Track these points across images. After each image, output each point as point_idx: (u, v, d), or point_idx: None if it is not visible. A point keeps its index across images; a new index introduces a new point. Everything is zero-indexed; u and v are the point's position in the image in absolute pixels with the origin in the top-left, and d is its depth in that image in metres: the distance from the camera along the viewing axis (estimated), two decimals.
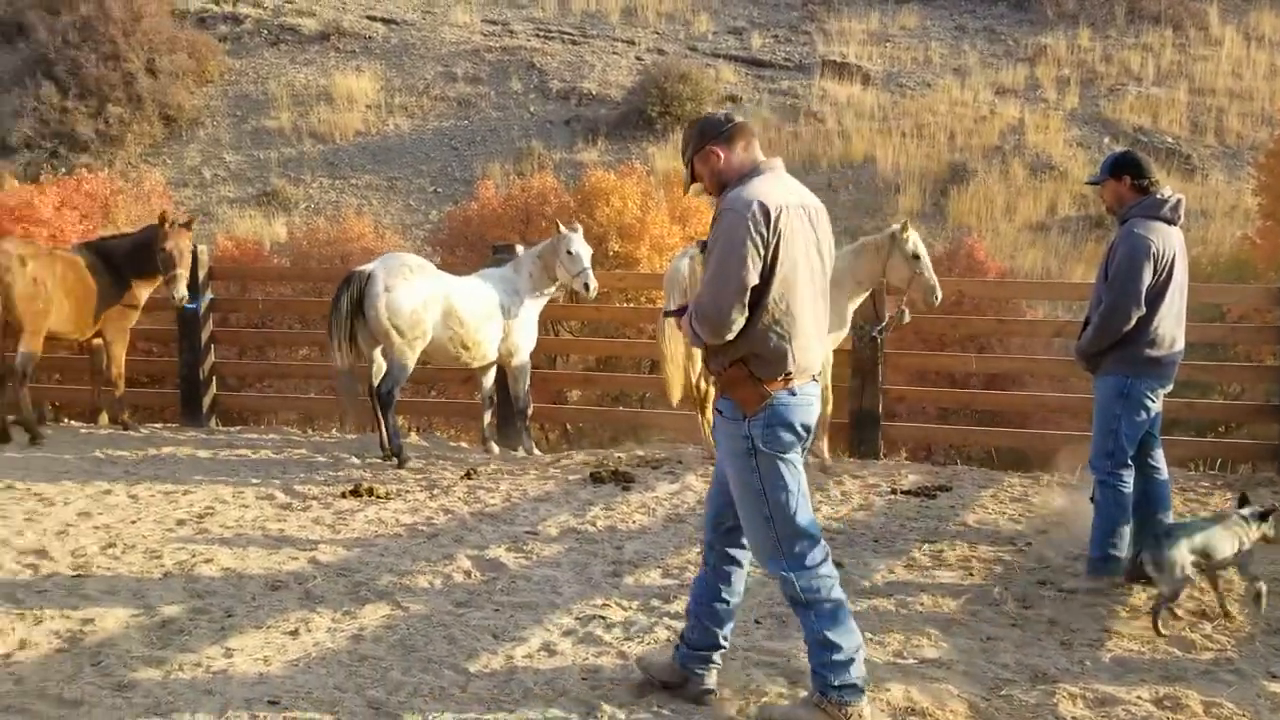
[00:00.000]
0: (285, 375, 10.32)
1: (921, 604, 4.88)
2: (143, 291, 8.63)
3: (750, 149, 3.62)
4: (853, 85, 21.11)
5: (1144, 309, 4.85)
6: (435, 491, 6.81)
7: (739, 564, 3.77)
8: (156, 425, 9.06)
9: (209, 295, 9.04)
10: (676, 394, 7.45)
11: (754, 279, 3.37)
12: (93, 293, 8.29)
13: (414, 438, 8.70)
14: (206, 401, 9.12)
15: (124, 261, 8.46)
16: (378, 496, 6.62)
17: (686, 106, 19.64)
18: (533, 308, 7.95)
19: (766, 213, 3.37)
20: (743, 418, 3.47)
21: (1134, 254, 4.84)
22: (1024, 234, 16.75)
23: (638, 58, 22.53)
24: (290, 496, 6.64)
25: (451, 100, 21.43)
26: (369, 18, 24.05)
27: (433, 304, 7.38)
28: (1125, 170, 5.03)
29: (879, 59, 22.36)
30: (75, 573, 5.12)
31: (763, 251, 3.37)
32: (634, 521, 6.16)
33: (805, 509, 3.52)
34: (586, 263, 7.68)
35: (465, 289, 7.65)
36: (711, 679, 3.79)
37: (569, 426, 10.06)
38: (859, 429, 8.07)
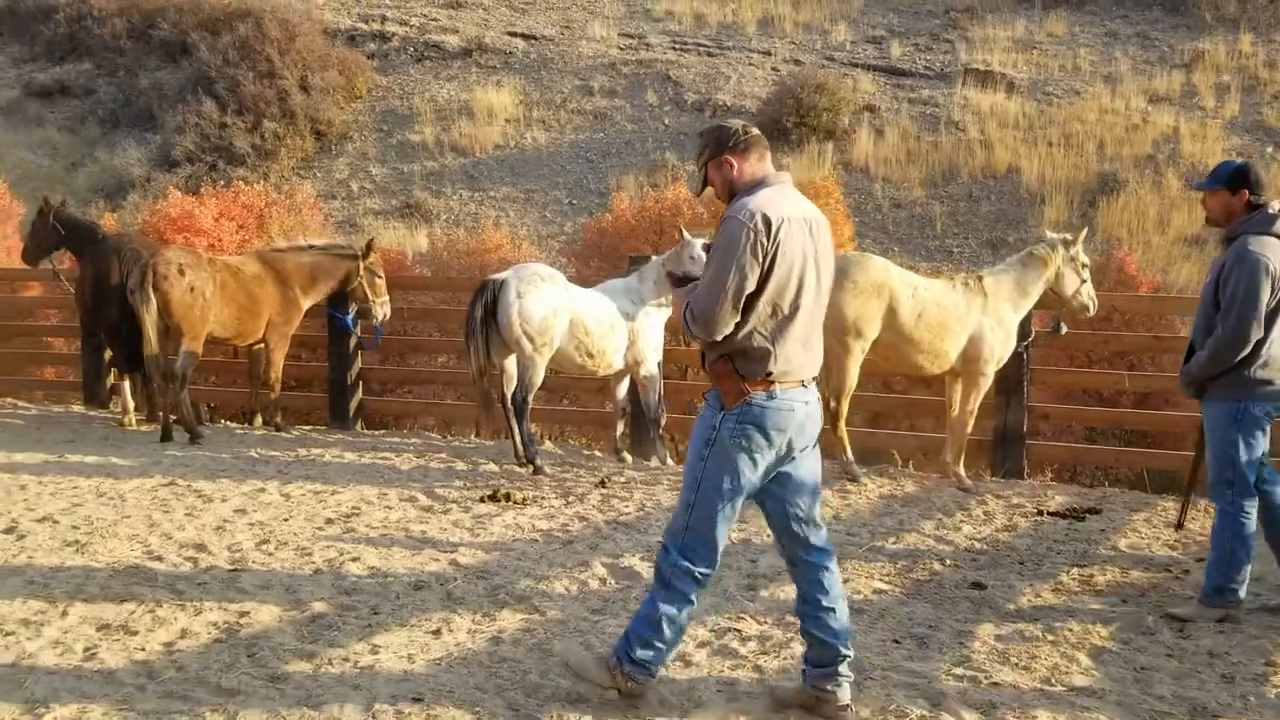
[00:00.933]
0: (427, 381, 10.61)
1: (1070, 630, 4.69)
2: (308, 302, 9.00)
3: (763, 161, 3.77)
4: (996, 94, 20.54)
5: (1264, 331, 4.66)
6: (570, 499, 6.89)
7: (823, 565, 3.79)
8: (306, 427, 9.43)
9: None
10: None
11: (751, 285, 3.55)
12: (256, 301, 8.68)
13: (548, 445, 8.83)
14: (353, 405, 9.46)
15: (296, 275, 8.85)
16: (515, 502, 6.73)
17: (823, 117, 19.45)
18: (658, 316, 7.97)
19: (768, 223, 3.54)
20: (720, 409, 3.65)
21: (1254, 274, 4.65)
22: (1178, 247, 15.99)
23: (774, 68, 22.42)
24: (431, 499, 6.82)
25: (588, 113, 21.72)
26: (510, 33, 24.58)
27: (561, 312, 7.48)
28: (1243, 184, 4.82)
29: (1024, 66, 21.71)
30: (232, 567, 5.36)
31: (761, 260, 3.54)
32: (768, 535, 6.08)
33: (725, 518, 3.66)
34: None
35: (590, 299, 7.74)
36: (844, 694, 3.74)
37: None
38: (1003, 447, 7.83)
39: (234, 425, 9.61)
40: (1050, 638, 4.60)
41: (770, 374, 3.59)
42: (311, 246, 9.14)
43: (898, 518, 6.56)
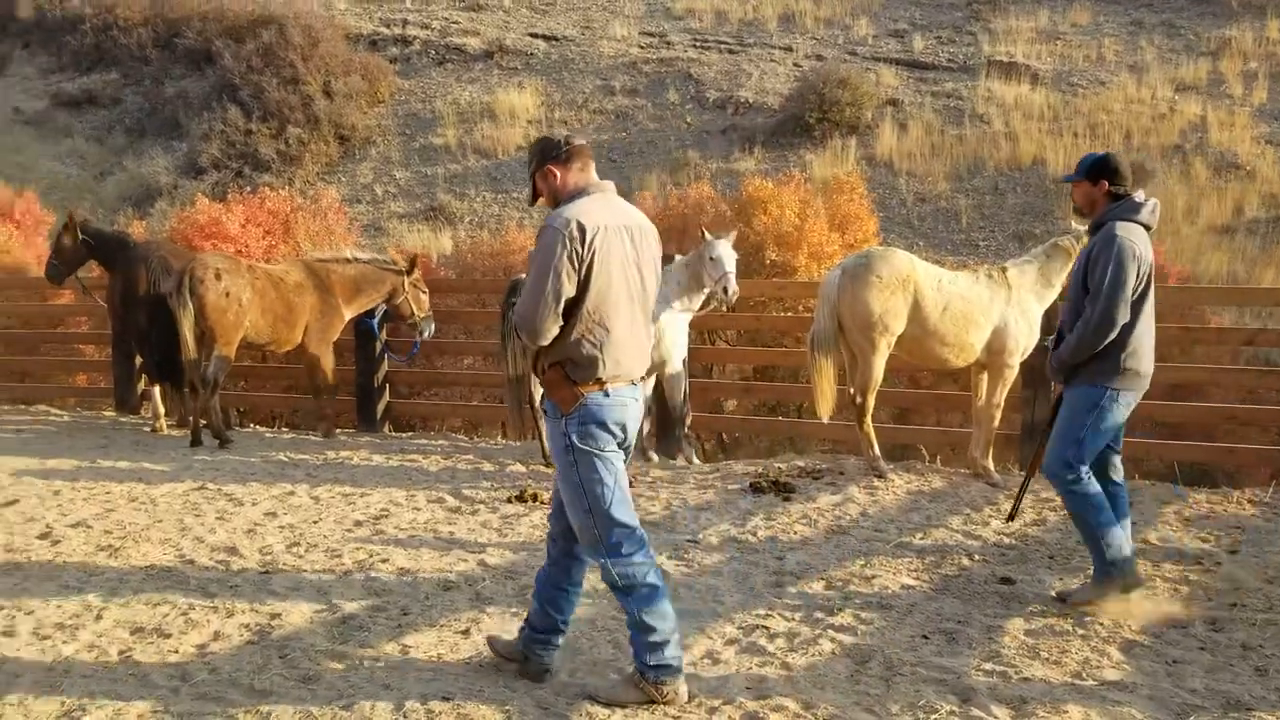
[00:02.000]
0: (453, 383, 10.66)
1: (1101, 624, 4.66)
2: (350, 313, 9.07)
3: (585, 171, 3.89)
4: (1020, 85, 20.39)
5: (1129, 316, 4.69)
6: None
7: (579, 558, 4.01)
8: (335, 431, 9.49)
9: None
10: (825, 409, 7.35)
11: (569, 291, 3.67)
12: (293, 310, 8.74)
13: None
14: (380, 408, 9.52)
15: (340, 286, 8.91)
16: (542, 502, 6.75)
17: (846, 112, 19.37)
18: (683, 316, 7.96)
19: (583, 230, 3.65)
20: (561, 416, 3.78)
21: (1120, 259, 4.67)
22: (1208, 237, 15.82)
23: (795, 64, 22.35)
24: (459, 500, 6.86)
25: (609, 113, 21.75)
26: (531, 35, 24.65)
27: None
28: (1104, 174, 4.88)
29: (1048, 58, 21.53)
30: (263, 570, 5.41)
31: (577, 266, 3.66)
32: (795, 532, 6.11)
33: (621, 503, 3.80)
34: (729, 267, 7.61)
35: None
36: (550, 659, 4.06)
37: (725, 436, 10.05)
38: (1030, 441, 7.78)
39: (263, 429, 9.70)
40: (1081, 632, 4.57)
41: (601, 378, 3.74)
42: (357, 259, 9.19)
43: (925, 513, 6.54)
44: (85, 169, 23.27)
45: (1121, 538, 4.81)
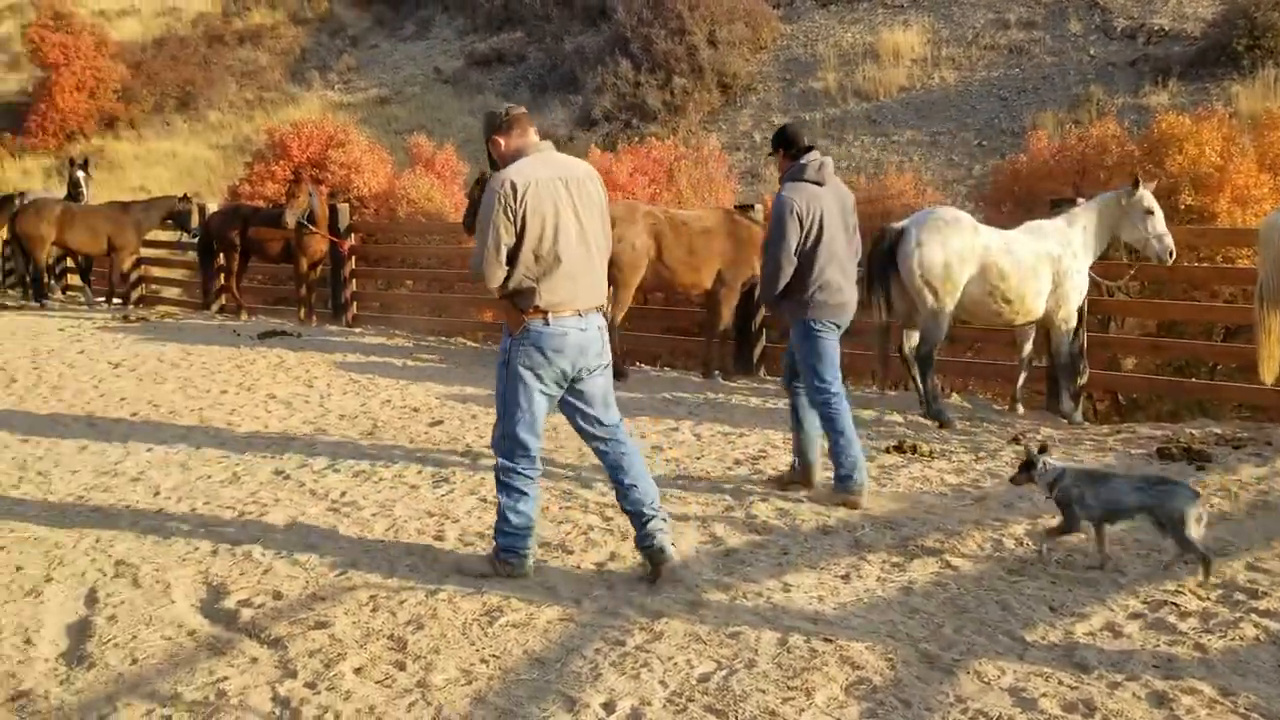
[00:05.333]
0: None
1: None
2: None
3: (524, 135, 4.45)
4: None
5: (795, 262, 5.49)
6: (981, 454, 6.63)
7: (617, 451, 4.56)
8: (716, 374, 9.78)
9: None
10: (1270, 371, 6.56)
11: (507, 240, 4.27)
12: (696, 254, 9.10)
13: (955, 399, 8.55)
14: (756, 352, 9.70)
15: (750, 241, 9.14)
16: (921, 454, 6.60)
17: None
18: (1085, 261, 7.41)
19: (515, 188, 4.23)
20: (508, 336, 4.44)
21: (780, 216, 5.48)
22: None
23: None
24: None
25: (1002, 48, 20.53)
26: None
27: (968, 259, 7.15)
28: (779, 144, 5.71)
29: None
30: None
31: (512, 218, 4.24)
32: (1210, 505, 5.53)
33: (526, 423, 4.44)
34: (1162, 223, 6.99)
35: (1006, 242, 7.31)
36: (661, 541, 4.50)
37: (1120, 397, 9.27)
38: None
39: (648, 368, 10.19)
40: None
41: (539, 306, 4.31)
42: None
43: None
44: None
45: (857, 454, 5.58)
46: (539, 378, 4.38)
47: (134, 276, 15.55)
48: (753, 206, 9.91)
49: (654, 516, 4.49)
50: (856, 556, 4.82)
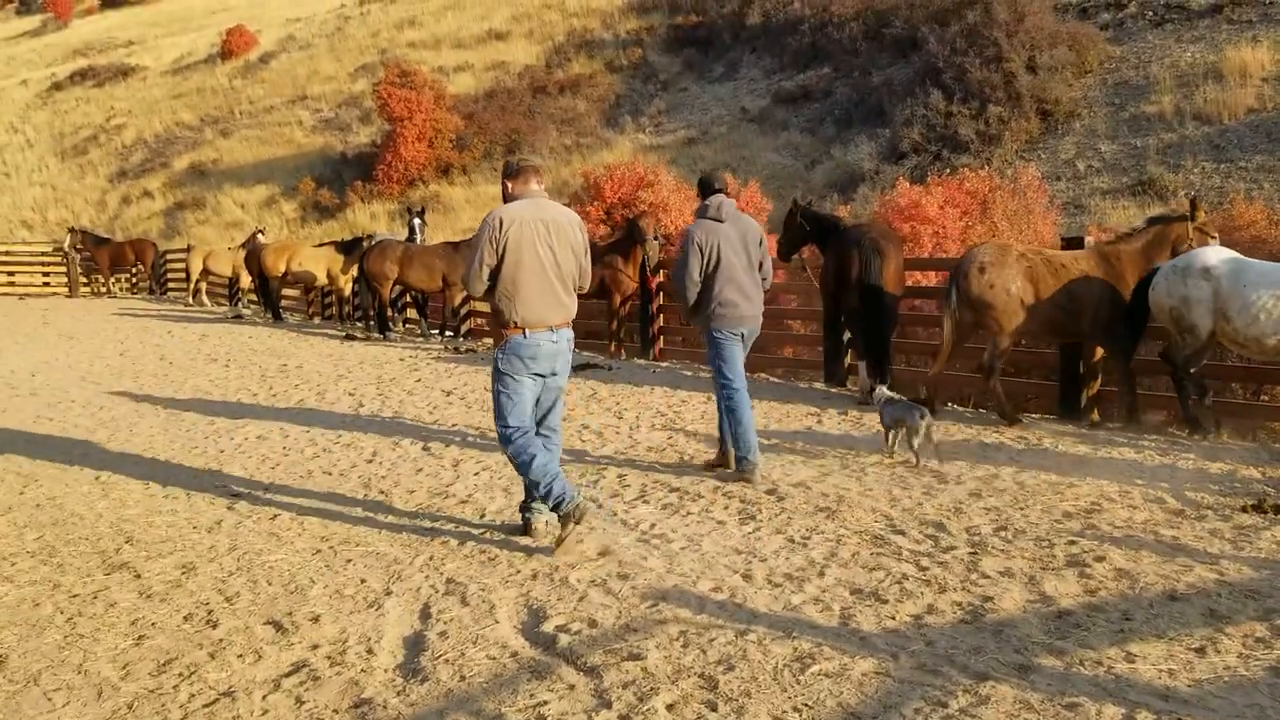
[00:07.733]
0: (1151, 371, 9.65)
1: None
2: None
3: (528, 183, 5.62)
4: None
5: (699, 284, 6.85)
6: None
7: (548, 439, 5.78)
8: (1035, 415, 9.18)
9: None
10: None
11: (490, 262, 5.46)
12: (1075, 299, 8.33)
13: None
14: (1085, 396, 8.98)
15: (1130, 261, 8.41)
16: None
17: None
18: None
19: (501, 223, 5.44)
20: (496, 347, 5.57)
21: (684, 246, 6.91)
22: None
23: None
24: (1181, 502, 6.19)
25: None
26: None
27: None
28: (699, 189, 7.13)
29: None
30: (971, 550, 5.38)
31: (495, 247, 5.43)
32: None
33: (515, 415, 5.53)
34: None
35: None
36: (537, 519, 5.85)
37: None
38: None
39: (960, 408, 9.72)
40: None
41: (517, 322, 5.46)
42: (1135, 229, 8.61)
43: None
44: (798, 159, 25.41)
45: (752, 440, 6.86)
46: (516, 379, 5.51)
47: (464, 311, 16.72)
48: (1081, 240, 9.23)
49: (551, 494, 5.47)
50: (1212, 628, 4.30)
